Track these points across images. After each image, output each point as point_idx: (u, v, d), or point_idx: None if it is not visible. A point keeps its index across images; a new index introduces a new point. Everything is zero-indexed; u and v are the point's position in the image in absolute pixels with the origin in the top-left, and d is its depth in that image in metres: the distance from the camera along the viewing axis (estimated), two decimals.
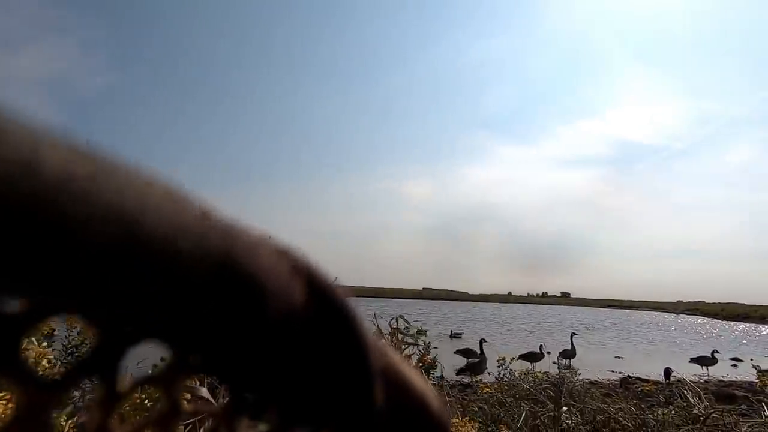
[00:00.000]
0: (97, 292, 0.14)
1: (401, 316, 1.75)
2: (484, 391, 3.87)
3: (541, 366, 8.00)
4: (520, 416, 2.34)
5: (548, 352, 9.85)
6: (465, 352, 9.35)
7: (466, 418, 1.62)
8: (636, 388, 5.97)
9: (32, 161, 0.13)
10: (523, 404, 2.68)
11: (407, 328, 1.75)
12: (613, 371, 9.18)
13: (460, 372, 7.22)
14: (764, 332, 25.14)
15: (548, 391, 2.80)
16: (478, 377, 6.66)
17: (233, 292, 0.16)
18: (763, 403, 2.78)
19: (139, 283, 0.15)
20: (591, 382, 6.29)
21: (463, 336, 14.80)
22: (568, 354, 10.32)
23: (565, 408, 2.35)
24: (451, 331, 15.67)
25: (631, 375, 8.08)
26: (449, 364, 7.49)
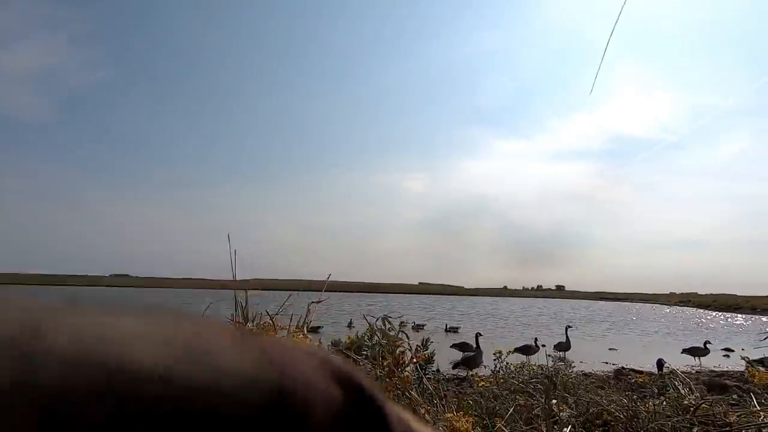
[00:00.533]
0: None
1: (385, 317, 1.77)
2: (480, 384, 3.90)
3: (536, 359, 8.09)
4: (513, 409, 2.36)
5: (543, 345, 9.94)
6: (461, 346, 9.42)
7: (461, 412, 1.64)
8: (629, 379, 6.05)
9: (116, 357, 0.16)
10: (518, 397, 2.71)
11: (390, 328, 1.76)
12: (607, 363, 9.29)
13: (456, 366, 7.28)
14: (755, 323, 25.50)
15: (538, 384, 2.84)
16: (474, 371, 6.72)
17: (285, 416, 0.19)
18: (752, 393, 2.84)
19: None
20: (585, 374, 6.37)
21: (459, 330, 14.91)
22: (563, 346, 10.43)
23: (554, 401, 2.38)
24: (446, 325, 15.78)
25: (625, 366, 8.18)
26: (446, 358, 7.55)
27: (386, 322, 1.77)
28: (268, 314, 1.73)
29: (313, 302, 1.80)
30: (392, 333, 1.77)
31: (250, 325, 1.64)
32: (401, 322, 1.88)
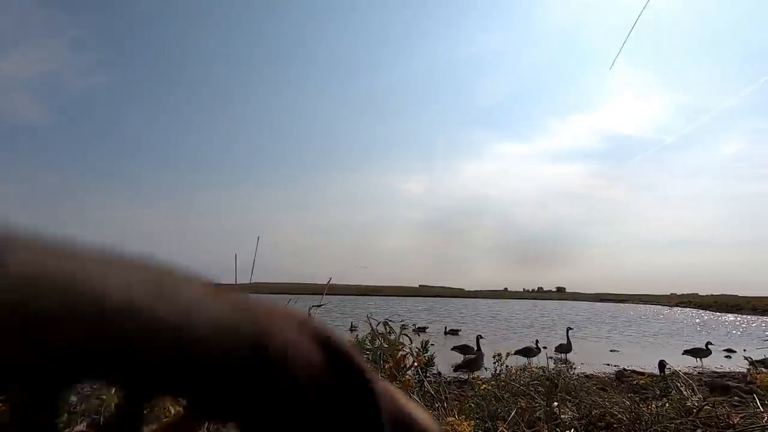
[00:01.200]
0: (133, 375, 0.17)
1: (386, 322, 1.76)
2: (481, 387, 3.88)
3: (537, 361, 8.06)
4: (515, 412, 2.35)
5: (544, 347, 9.91)
6: (462, 349, 9.39)
7: (462, 416, 1.63)
8: (631, 381, 6.03)
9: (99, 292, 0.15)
10: (519, 400, 2.70)
11: (391, 331, 1.76)
12: (608, 364, 9.26)
13: (457, 368, 7.25)
14: (756, 323, 25.46)
15: (539, 387, 2.82)
16: (475, 373, 6.70)
17: (264, 367, 0.19)
18: (755, 394, 2.82)
19: (177, 373, 0.17)
20: (586, 376, 6.35)
21: (460, 333, 14.87)
22: (564, 348, 10.40)
23: (555, 403, 2.37)
24: (446, 328, 15.73)
25: (627, 368, 8.16)
26: (446, 360, 7.52)
27: (387, 326, 1.76)
28: None
29: (313, 306, 1.79)
30: (393, 336, 1.76)
31: None
32: (402, 326, 1.88)
